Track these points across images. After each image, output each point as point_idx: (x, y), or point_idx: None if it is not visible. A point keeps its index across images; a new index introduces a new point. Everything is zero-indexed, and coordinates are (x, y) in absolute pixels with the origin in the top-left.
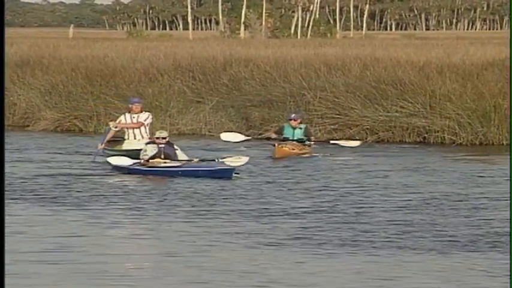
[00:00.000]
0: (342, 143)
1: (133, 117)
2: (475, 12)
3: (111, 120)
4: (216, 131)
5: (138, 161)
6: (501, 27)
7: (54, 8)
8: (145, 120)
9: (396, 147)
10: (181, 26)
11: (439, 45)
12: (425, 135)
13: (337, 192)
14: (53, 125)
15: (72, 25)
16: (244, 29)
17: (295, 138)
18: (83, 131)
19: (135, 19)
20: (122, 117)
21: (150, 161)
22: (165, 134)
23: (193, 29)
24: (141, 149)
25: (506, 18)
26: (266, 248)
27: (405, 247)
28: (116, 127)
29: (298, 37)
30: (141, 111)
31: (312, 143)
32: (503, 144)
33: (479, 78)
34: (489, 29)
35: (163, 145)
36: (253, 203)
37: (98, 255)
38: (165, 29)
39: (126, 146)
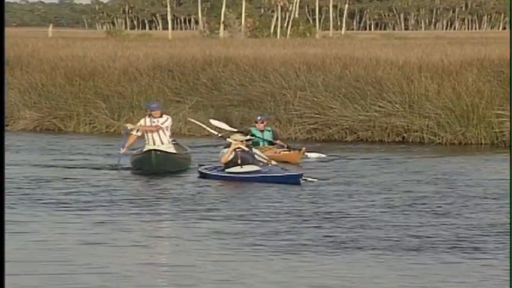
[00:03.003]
0: (309, 155)
1: (154, 121)
2: (453, 12)
3: (127, 122)
4: (195, 130)
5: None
6: (479, 27)
7: (33, 7)
8: (163, 124)
9: (375, 146)
10: (160, 25)
11: (418, 45)
12: (405, 134)
13: (316, 193)
14: (32, 124)
15: (51, 24)
16: (224, 29)
17: (265, 139)
18: (62, 130)
19: (115, 18)
20: (142, 121)
21: (227, 169)
22: (242, 138)
23: (173, 29)
24: None
25: (484, 18)
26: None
27: (382, 248)
28: (134, 129)
29: (278, 37)
30: (161, 116)
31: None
32: (481, 143)
33: (457, 78)
34: (467, 29)
35: (240, 150)
36: (248, 207)
37: (95, 267)
38: (145, 28)
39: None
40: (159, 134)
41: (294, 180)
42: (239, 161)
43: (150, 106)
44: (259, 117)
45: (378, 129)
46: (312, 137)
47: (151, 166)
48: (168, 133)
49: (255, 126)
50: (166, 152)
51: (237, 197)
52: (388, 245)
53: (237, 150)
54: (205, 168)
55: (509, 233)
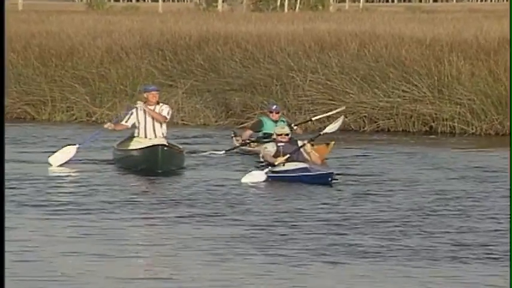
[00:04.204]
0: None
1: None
2: None
3: (135, 101)
4: (190, 119)
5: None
6: None
7: None
8: (168, 114)
9: (399, 138)
10: None
11: (449, 19)
12: (433, 123)
13: (332, 194)
14: None
15: None
16: (223, 1)
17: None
18: (35, 119)
19: None
20: (133, 110)
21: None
22: (287, 130)
23: (164, 1)
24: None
25: None
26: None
27: (410, 258)
28: (140, 108)
29: (285, 10)
30: (158, 103)
31: (297, 128)
32: None
33: (494, 58)
34: (506, 0)
35: (283, 143)
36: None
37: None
38: (131, 0)
39: (134, 145)
40: (153, 125)
41: (323, 180)
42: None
43: (148, 88)
44: (274, 106)
45: (402, 117)
46: (325, 127)
47: (157, 164)
48: (164, 126)
49: (267, 116)
50: (172, 147)
51: (247, 199)
52: (417, 254)
53: (279, 144)
54: (257, 168)
55: None
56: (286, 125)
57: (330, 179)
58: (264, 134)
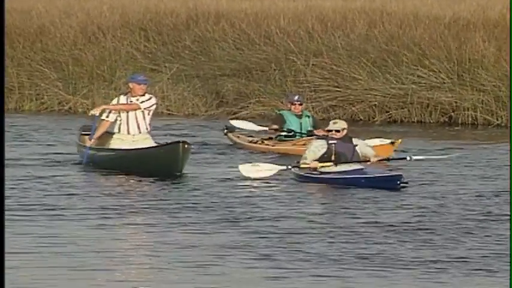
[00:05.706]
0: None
1: (131, 101)
2: None
3: (93, 107)
4: (176, 108)
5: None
6: None
7: None
8: (142, 103)
9: (413, 129)
10: None
11: None
12: (452, 113)
13: (338, 195)
14: None
15: None
16: None
17: (303, 131)
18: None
19: None
20: (114, 101)
21: (317, 166)
22: (341, 124)
23: None
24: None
25: None
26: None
27: (424, 265)
28: (104, 112)
29: None
30: (144, 95)
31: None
32: None
33: None
34: None
35: (335, 141)
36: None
37: None
38: None
39: (114, 143)
40: (136, 119)
41: (389, 184)
42: (333, 157)
43: (136, 78)
44: (296, 97)
45: (417, 106)
46: (330, 117)
47: (177, 166)
48: (148, 118)
49: (288, 110)
50: (190, 144)
51: (250, 202)
52: (448, 266)
53: (331, 142)
54: (298, 168)
55: None
56: (312, 122)
57: (398, 182)
58: (288, 130)
